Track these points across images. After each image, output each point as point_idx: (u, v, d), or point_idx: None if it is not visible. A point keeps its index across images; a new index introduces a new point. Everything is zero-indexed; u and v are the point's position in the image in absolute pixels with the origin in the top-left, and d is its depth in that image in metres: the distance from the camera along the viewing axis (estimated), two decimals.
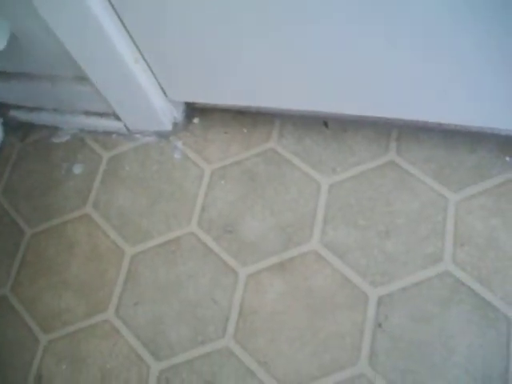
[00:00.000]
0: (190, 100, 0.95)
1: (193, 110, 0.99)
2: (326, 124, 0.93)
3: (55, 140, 1.06)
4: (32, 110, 1.05)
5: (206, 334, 0.85)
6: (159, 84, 0.91)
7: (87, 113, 0.99)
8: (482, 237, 0.84)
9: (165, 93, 0.93)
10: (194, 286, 0.88)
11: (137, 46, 0.84)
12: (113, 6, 0.77)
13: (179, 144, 0.98)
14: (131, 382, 0.86)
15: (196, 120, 0.99)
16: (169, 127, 0.98)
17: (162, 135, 0.99)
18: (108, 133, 1.01)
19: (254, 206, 0.91)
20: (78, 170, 1.00)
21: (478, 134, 0.88)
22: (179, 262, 0.90)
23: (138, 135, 0.99)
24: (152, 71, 0.89)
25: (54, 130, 1.06)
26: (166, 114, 0.96)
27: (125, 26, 0.81)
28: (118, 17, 0.79)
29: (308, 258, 0.86)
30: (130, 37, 0.82)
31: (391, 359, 0.80)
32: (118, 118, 0.97)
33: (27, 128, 1.08)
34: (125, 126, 0.98)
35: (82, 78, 0.89)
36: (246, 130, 0.96)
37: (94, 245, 0.94)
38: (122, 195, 0.96)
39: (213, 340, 0.85)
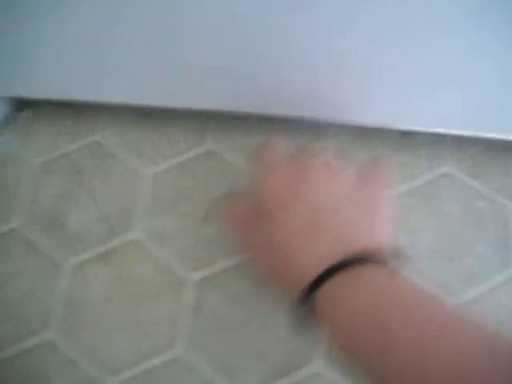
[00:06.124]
0: (12, 95, 0.93)
1: (19, 104, 0.97)
2: (149, 116, 0.94)
3: None
4: None
5: (29, 329, 0.85)
6: None
7: None
8: None
9: None
10: (18, 283, 0.87)
11: None
12: None
13: (4, 139, 0.96)
14: None
15: (24, 114, 0.98)
16: None
17: None
18: None
19: (79, 198, 0.91)
20: None
21: (295, 122, 0.92)
22: (1, 260, 0.89)
23: None
24: None
25: None
26: None
27: None
28: None
29: (130, 247, 0.88)
30: None
31: (209, 342, 0.83)
32: None
33: None
34: None
35: None
36: (73, 123, 0.97)
37: None
38: None
39: (36, 335, 0.85)
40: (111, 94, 0.91)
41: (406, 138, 0.93)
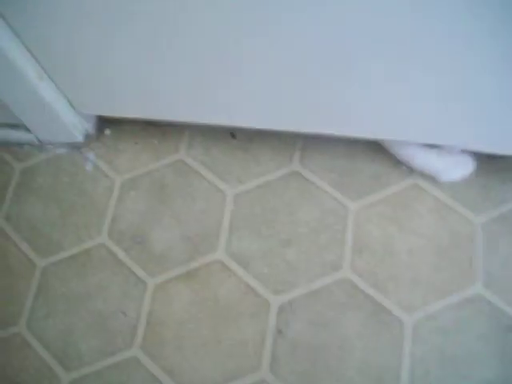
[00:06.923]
0: (98, 113, 0.95)
1: (104, 122, 0.99)
2: (233, 135, 0.95)
3: None
4: None
5: (115, 344, 0.87)
6: (67, 98, 0.92)
7: None
8: (379, 244, 0.87)
9: (73, 106, 0.93)
10: (104, 298, 0.89)
11: (39, 64, 0.84)
12: (10, 25, 0.77)
13: (91, 155, 0.98)
14: None
15: (107, 131, 1.00)
16: (80, 139, 0.98)
17: (74, 146, 0.99)
18: (20, 144, 1.01)
19: (163, 216, 0.92)
20: None
21: (377, 144, 0.91)
22: (89, 273, 0.91)
23: (50, 147, 0.99)
24: (58, 87, 0.89)
25: None
26: (77, 127, 0.97)
27: (25, 45, 0.81)
28: (17, 36, 0.79)
29: (213, 267, 0.88)
30: (32, 55, 0.82)
31: (291, 364, 0.82)
32: (28, 130, 0.97)
33: None
34: (36, 137, 0.98)
35: None
36: (156, 141, 0.98)
37: (5, 257, 0.94)
38: (33, 207, 0.96)
39: (121, 350, 0.86)
40: (195, 115, 0.91)
41: (492, 162, 0.90)
